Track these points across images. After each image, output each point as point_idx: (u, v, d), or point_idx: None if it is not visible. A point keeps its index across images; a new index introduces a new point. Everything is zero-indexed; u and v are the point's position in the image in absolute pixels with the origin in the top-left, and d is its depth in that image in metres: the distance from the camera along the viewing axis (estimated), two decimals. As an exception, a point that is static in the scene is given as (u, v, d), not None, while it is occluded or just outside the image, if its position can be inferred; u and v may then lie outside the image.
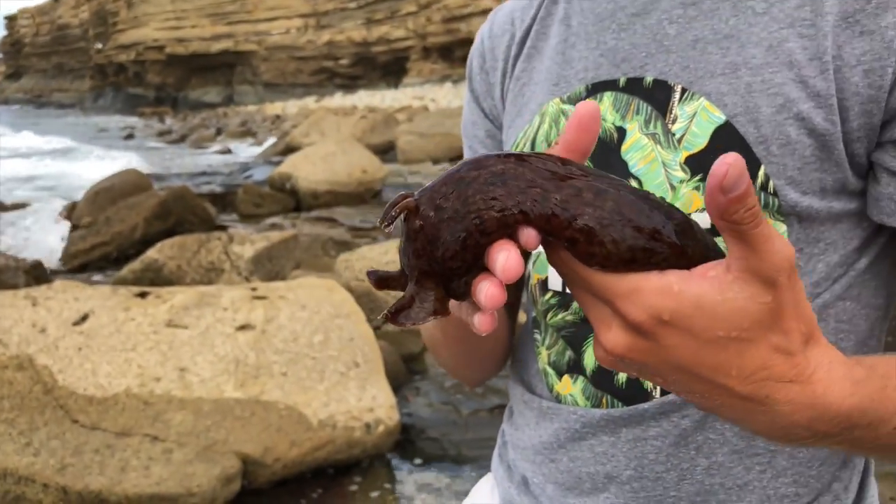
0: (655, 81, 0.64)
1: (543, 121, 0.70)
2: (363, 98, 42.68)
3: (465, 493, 0.90)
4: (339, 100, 43.64)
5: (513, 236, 0.39)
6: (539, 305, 0.73)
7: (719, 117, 0.60)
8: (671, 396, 0.65)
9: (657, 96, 0.64)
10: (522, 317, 0.82)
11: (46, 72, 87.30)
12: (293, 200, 9.19)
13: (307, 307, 3.16)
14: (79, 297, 3.12)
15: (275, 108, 42.65)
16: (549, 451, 0.72)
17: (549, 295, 0.71)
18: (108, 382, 2.85)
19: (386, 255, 4.96)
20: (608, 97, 0.66)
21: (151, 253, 4.58)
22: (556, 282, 0.70)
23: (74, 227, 7.31)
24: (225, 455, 2.64)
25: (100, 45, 70.15)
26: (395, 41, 50.76)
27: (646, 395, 0.66)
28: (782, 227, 0.61)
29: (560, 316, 0.71)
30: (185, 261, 4.54)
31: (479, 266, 0.41)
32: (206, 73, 61.23)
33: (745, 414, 0.42)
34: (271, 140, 21.68)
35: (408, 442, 2.98)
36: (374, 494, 2.68)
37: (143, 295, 3.23)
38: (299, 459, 2.72)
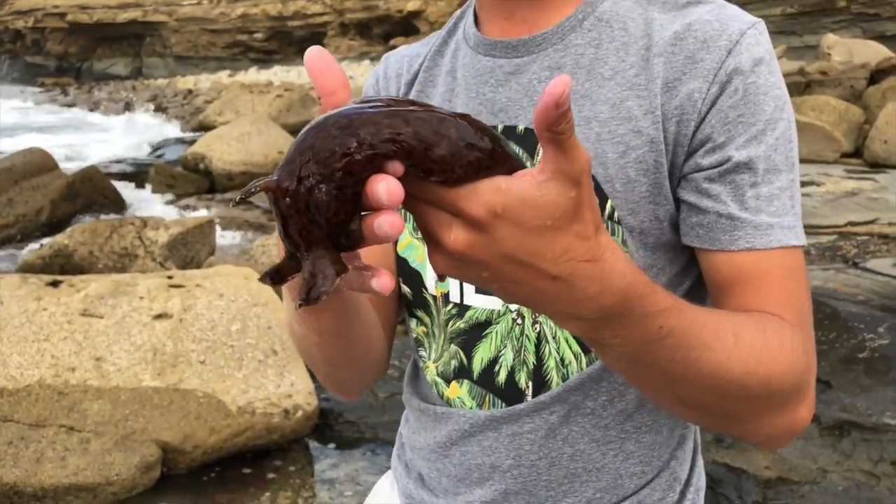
0: (526, 129, 0.78)
1: None
2: (279, 73, 41.69)
3: (382, 472, 1.01)
4: (253, 75, 42.49)
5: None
6: (441, 315, 0.84)
7: None
8: (541, 397, 0.79)
9: (528, 141, 0.78)
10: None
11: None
12: (207, 181, 9.02)
13: (224, 295, 3.19)
14: (-14, 287, 3.06)
15: (187, 82, 41.17)
16: (442, 450, 0.85)
17: (450, 306, 0.83)
18: (20, 374, 2.82)
19: (304, 239, 5.01)
20: None
21: (61, 238, 4.47)
22: (455, 294, 0.82)
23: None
24: (144, 443, 2.67)
25: (-6, 10, 65.84)
26: (312, 16, 49.77)
27: (521, 395, 0.80)
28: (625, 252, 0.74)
29: (456, 325, 0.83)
30: (98, 246, 4.46)
31: (360, 210, 0.45)
32: (112, 44, 58.38)
33: (552, 295, 0.51)
34: (184, 114, 21.02)
35: (326, 426, 3.08)
36: (294, 478, 2.78)
37: (55, 284, 3.19)
38: (218, 445, 2.78)
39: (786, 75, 11.24)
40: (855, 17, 23.68)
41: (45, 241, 6.11)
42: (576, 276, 0.50)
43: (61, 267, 4.45)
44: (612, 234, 0.74)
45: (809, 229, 5.97)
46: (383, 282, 0.48)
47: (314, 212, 0.44)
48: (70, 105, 29.18)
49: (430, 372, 0.86)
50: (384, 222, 0.44)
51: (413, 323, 0.88)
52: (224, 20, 53.49)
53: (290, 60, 50.00)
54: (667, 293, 0.58)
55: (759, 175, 0.71)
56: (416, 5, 43.27)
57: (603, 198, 0.74)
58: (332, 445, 2.99)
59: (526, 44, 0.80)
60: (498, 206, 0.46)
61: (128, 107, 28.29)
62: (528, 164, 0.77)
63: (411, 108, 0.45)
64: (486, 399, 0.82)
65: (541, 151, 0.74)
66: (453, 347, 0.83)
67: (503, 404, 0.81)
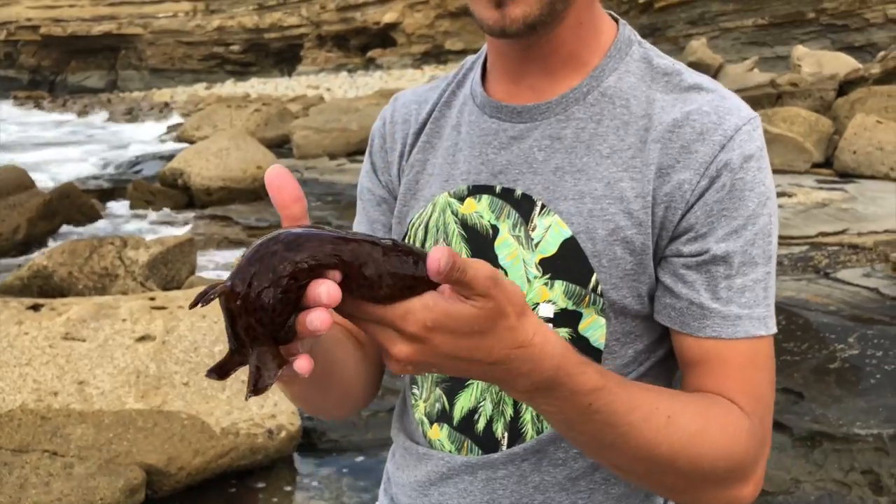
0: (523, 195, 0.82)
1: (435, 209, 0.87)
2: (255, 86, 41.61)
3: (365, 491, 1.06)
4: (230, 87, 42.37)
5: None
6: None
7: (567, 232, 0.79)
8: (515, 448, 0.83)
9: (523, 207, 0.82)
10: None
11: None
12: (186, 197, 9.01)
13: (207, 316, 3.21)
14: (-33, 312, 3.05)
15: (163, 94, 40.95)
16: (422, 488, 0.89)
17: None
18: (2, 399, 2.82)
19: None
20: (486, 199, 0.84)
21: (40, 259, 4.46)
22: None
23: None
24: (128, 467, 2.68)
25: (-35, 23, 65.01)
26: (289, 28, 49.71)
27: (496, 444, 0.84)
28: (602, 321, 0.79)
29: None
30: (77, 267, 4.45)
31: (297, 311, 0.53)
32: (87, 56, 57.83)
33: (496, 374, 0.62)
34: (161, 129, 20.91)
35: (310, 445, 3.10)
36: (278, 498, 2.80)
37: (36, 308, 3.19)
38: (203, 467, 2.79)
39: (758, 87, 11.46)
40: (824, 28, 24.15)
41: (22, 259, 6.08)
42: (510, 360, 0.60)
43: (40, 288, 4.43)
44: (594, 303, 0.79)
45: (782, 240, 6.09)
46: (301, 364, 0.55)
47: (260, 313, 0.52)
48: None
49: (419, 410, 0.91)
50: (315, 318, 0.52)
51: None
52: (200, 32, 53.28)
53: (267, 73, 49.91)
54: (600, 374, 0.66)
55: (735, 268, 0.76)
56: (393, 17, 43.42)
57: (589, 271, 0.78)
58: (315, 465, 3.02)
59: (530, 111, 0.83)
60: (429, 321, 0.56)
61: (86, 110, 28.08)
62: (522, 228, 0.81)
63: (349, 235, 0.55)
64: (465, 444, 0.86)
65: (534, 219, 0.80)
66: (438, 391, 0.88)
67: (480, 451, 0.85)
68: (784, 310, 4.31)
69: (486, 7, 0.76)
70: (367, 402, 0.93)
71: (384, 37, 44.74)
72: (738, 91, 11.93)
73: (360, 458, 3.05)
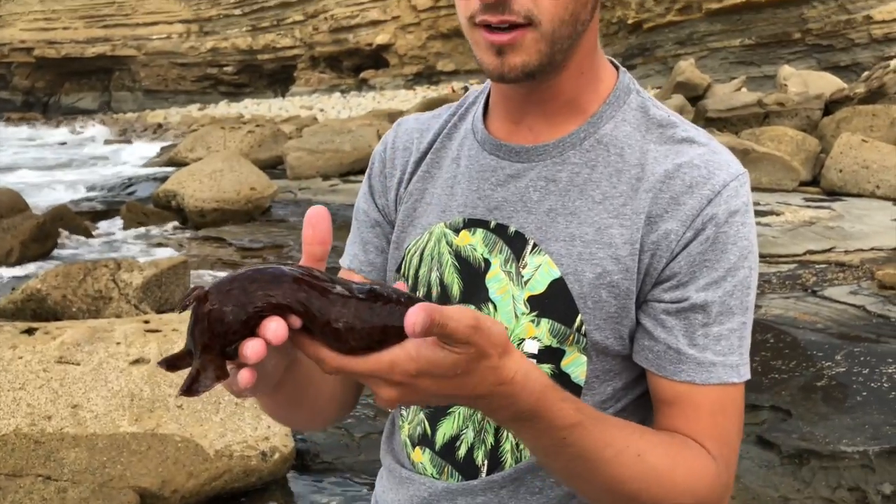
0: (516, 232, 0.85)
1: (431, 238, 0.91)
2: (249, 106, 41.77)
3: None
4: (223, 108, 42.52)
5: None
6: None
7: (556, 273, 0.83)
8: (494, 476, 0.87)
9: (516, 244, 0.85)
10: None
11: None
12: (179, 218, 9.04)
13: (201, 339, 3.24)
14: (-39, 336, 3.08)
15: (156, 115, 41.04)
16: None
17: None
18: (-3, 423, 2.84)
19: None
20: (480, 232, 0.87)
21: (34, 283, 4.48)
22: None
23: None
24: (122, 490, 2.69)
25: (-42, 45, 65.11)
26: (282, 49, 49.99)
27: (476, 471, 0.88)
28: (584, 359, 0.83)
29: None
30: (71, 290, 4.47)
31: (249, 336, 0.57)
32: (80, 78, 57.97)
33: (478, 405, 0.67)
34: (154, 150, 20.95)
35: (303, 467, 3.12)
36: (271, 519, 2.81)
37: (30, 331, 3.21)
38: (197, 489, 2.81)
39: (745, 107, 11.61)
40: (810, 48, 24.48)
41: (9, 276, 6.09)
42: (493, 395, 0.65)
43: (34, 311, 4.45)
44: (577, 342, 0.82)
45: (770, 258, 6.16)
46: (242, 375, 0.59)
47: (218, 326, 0.57)
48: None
49: (404, 432, 0.95)
50: (250, 346, 0.57)
51: None
52: (194, 54, 53.52)
53: (261, 93, 50.10)
54: (578, 410, 0.70)
55: (712, 317, 0.79)
56: (386, 39, 43.74)
57: (574, 312, 0.82)
58: (309, 486, 3.04)
59: (528, 151, 0.86)
60: (413, 370, 0.60)
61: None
62: (514, 265, 0.85)
63: (329, 287, 0.59)
64: (445, 470, 0.90)
65: (525, 257, 0.84)
66: (421, 415, 0.92)
67: (460, 477, 0.88)
68: (772, 328, 4.35)
69: (488, 53, 0.79)
70: (339, 419, 0.97)
71: (377, 58, 45.04)
72: (726, 111, 12.09)
73: (353, 480, 3.07)
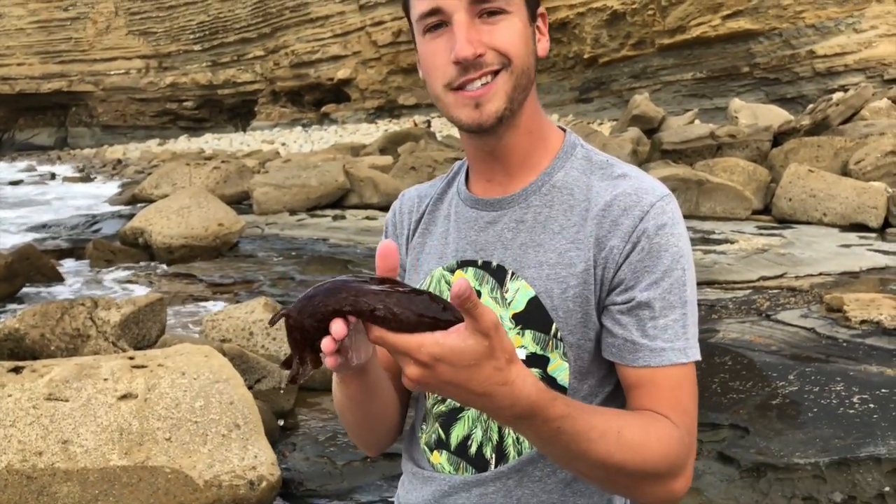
0: (498, 265, 1.06)
1: (432, 280, 1.13)
2: (210, 141, 41.61)
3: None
4: (184, 143, 42.30)
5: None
6: (430, 400, 1.12)
7: (531, 292, 1.03)
8: (502, 467, 1.05)
9: (499, 275, 1.06)
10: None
11: None
12: (147, 255, 9.05)
13: (186, 373, 3.34)
14: (-50, 376, 3.14)
15: (115, 151, 40.62)
16: None
17: (436, 394, 1.09)
18: (-12, 460, 2.90)
19: (252, 313, 5.16)
20: (471, 270, 1.09)
21: (11, 322, 4.52)
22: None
23: None
24: (115, 522, 2.78)
25: None
26: (243, 84, 50.08)
27: (486, 464, 1.06)
28: (565, 364, 1.03)
29: (438, 408, 1.11)
30: (49, 329, 4.52)
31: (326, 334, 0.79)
32: (35, 113, 57.20)
33: (482, 402, 0.81)
34: (114, 186, 20.77)
35: (289, 494, 3.23)
36: (261, 546, 2.91)
37: (17, 370, 3.28)
38: (187, 520, 2.90)
39: (698, 139, 12.06)
40: (758, 81, 25.45)
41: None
42: (495, 395, 0.80)
43: (11, 350, 4.48)
44: (556, 348, 1.02)
45: (727, 285, 6.45)
46: (328, 361, 0.83)
47: (302, 332, 0.81)
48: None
49: (423, 440, 1.13)
50: (323, 342, 0.80)
51: (423, 401, 1.15)
52: (153, 89, 53.24)
53: (221, 128, 49.96)
54: (566, 405, 0.87)
55: (657, 311, 0.98)
56: (347, 73, 44.13)
57: (549, 321, 1.02)
58: (295, 513, 3.14)
59: (500, 202, 1.09)
60: (437, 354, 0.76)
61: (53, 178, 27.75)
62: (499, 291, 1.05)
63: (376, 286, 0.79)
64: (461, 466, 1.08)
65: (507, 283, 1.05)
66: (436, 425, 1.11)
67: (473, 470, 1.07)
68: (729, 350, 4.59)
69: (465, 110, 1.00)
70: (392, 438, 1.16)
71: (338, 92, 45.36)
72: (680, 143, 12.51)
73: (337, 505, 3.19)
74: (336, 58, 44.51)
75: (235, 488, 3.02)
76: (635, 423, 0.94)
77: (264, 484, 3.08)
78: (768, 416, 3.70)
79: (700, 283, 6.49)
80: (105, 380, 3.24)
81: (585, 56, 29.78)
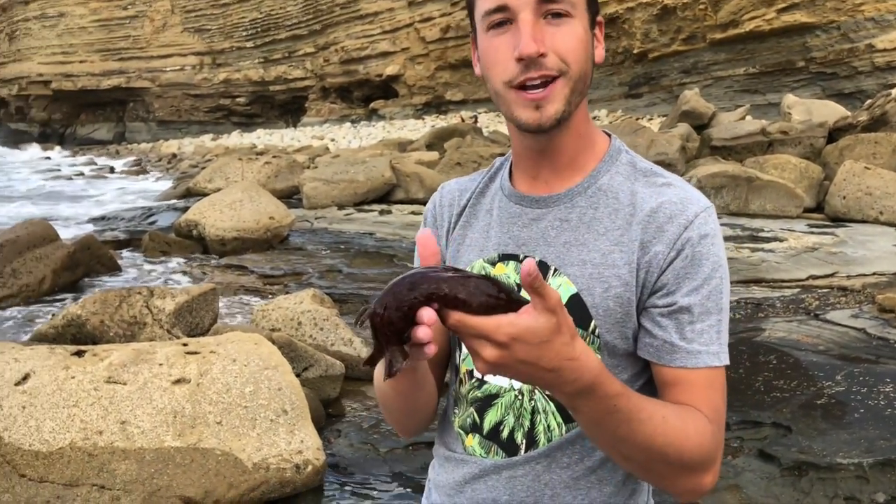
0: (541, 261, 1.10)
1: (472, 271, 1.16)
2: (261, 136, 42.37)
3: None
4: (236, 138, 43.16)
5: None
6: (466, 386, 1.18)
7: (573, 289, 1.08)
8: (531, 453, 1.10)
9: (541, 270, 1.07)
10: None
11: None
12: (200, 247, 9.31)
13: (237, 360, 3.48)
14: (18, 358, 3.33)
15: (170, 146, 41.67)
16: (459, 486, 1.17)
17: (473, 380, 1.17)
18: (53, 437, 3.07)
19: (300, 304, 5.30)
20: (512, 264, 1.14)
21: (74, 308, 4.73)
22: (477, 371, 1.16)
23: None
24: (169, 499, 2.92)
25: (-23, 79, 66.36)
26: (294, 80, 50.82)
27: (517, 449, 1.12)
28: (598, 356, 1.05)
29: (474, 394, 1.17)
30: (108, 315, 4.73)
31: (414, 325, 0.82)
32: (95, 109, 59.06)
33: (551, 378, 0.85)
34: (169, 182, 21.34)
35: (334, 479, 3.34)
36: (306, 527, 3.02)
37: (79, 354, 3.46)
38: (237, 499, 3.03)
39: (748, 135, 11.85)
40: (814, 76, 24.78)
41: (32, 304, 6.36)
42: (562, 369, 0.85)
43: (73, 336, 4.70)
44: (592, 343, 1.06)
45: (775, 283, 6.36)
46: (428, 350, 0.85)
47: (389, 327, 0.83)
48: (55, 169, 29.42)
49: (456, 424, 1.20)
50: (419, 331, 0.82)
51: (455, 387, 1.22)
52: (207, 85, 54.41)
53: (273, 123, 50.80)
54: (621, 385, 0.93)
55: (695, 316, 1.03)
56: (395, 70, 44.43)
57: (588, 318, 1.06)
58: (339, 497, 3.25)
59: (545, 200, 1.12)
60: (514, 334, 0.82)
61: (112, 171, 28.63)
62: None
63: (451, 274, 0.83)
64: (492, 450, 1.14)
65: (549, 279, 1.11)
66: (470, 409, 1.17)
67: (504, 454, 1.13)
68: (776, 349, 4.55)
69: (526, 110, 1.04)
70: (428, 424, 1.22)
71: (386, 88, 45.69)
72: (730, 139, 12.31)
73: (379, 490, 3.28)
74: (385, 54, 44.84)
75: (282, 471, 3.14)
76: (676, 412, 0.99)
77: (310, 468, 3.19)
78: (812, 416, 3.67)
79: (747, 282, 6.41)
80: (160, 365, 3.39)
81: (635, 51, 29.41)
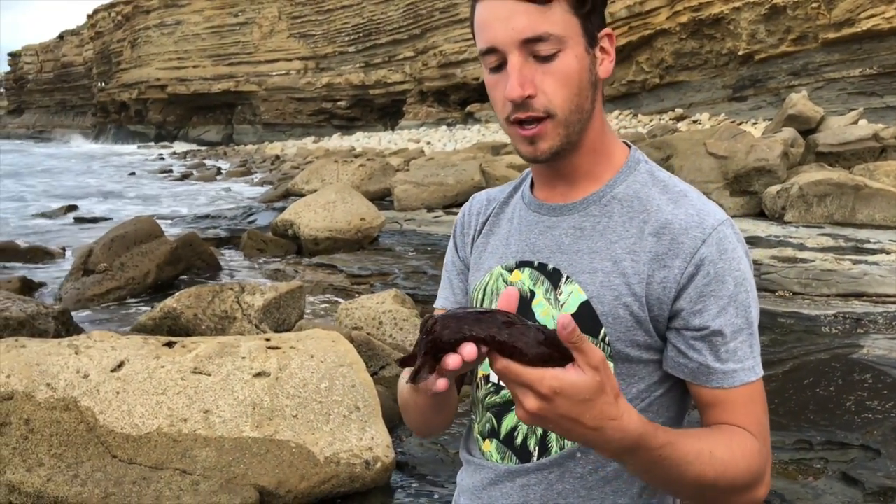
0: (554, 268, 1.11)
1: (491, 278, 1.20)
2: (360, 139, 43.36)
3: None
4: (336, 140, 44.36)
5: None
6: (482, 391, 1.20)
7: (583, 297, 1.08)
8: (543, 460, 1.11)
9: (554, 277, 1.11)
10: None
11: (49, 108, 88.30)
12: (295, 246, 9.66)
13: (315, 357, 3.61)
14: (115, 347, 3.57)
15: (274, 147, 43.29)
16: (477, 491, 1.18)
17: (489, 385, 1.19)
18: (142, 422, 3.28)
19: (382, 304, 5.42)
20: (527, 271, 1.15)
21: (170, 302, 5.02)
22: (494, 377, 1.18)
23: (87, 272, 7.73)
24: (245, 487, 3.06)
25: (102, 84, 71.11)
26: (393, 84, 51.81)
27: (530, 456, 1.12)
28: (611, 364, 1.06)
29: (492, 399, 1.18)
30: (201, 310, 4.99)
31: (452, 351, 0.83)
32: (206, 112, 62.24)
33: (593, 436, 0.85)
34: (271, 181, 22.15)
35: (402, 477, 3.40)
36: (372, 522, 3.10)
37: (170, 345, 3.67)
38: (308, 491, 3.14)
39: (858, 140, 11.21)
40: (939, 77, 23.12)
41: (137, 296, 6.76)
42: (605, 429, 0.85)
43: (169, 328, 4.99)
44: (603, 351, 1.05)
45: (877, 298, 6.01)
46: (440, 383, 0.86)
47: (436, 343, 0.84)
48: (167, 170, 31.09)
49: (476, 430, 1.22)
50: (449, 359, 0.83)
51: (473, 392, 1.25)
52: (310, 89, 56.21)
53: (372, 127, 51.89)
54: (665, 433, 0.92)
55: (728, 336, 1.03)
56: (493, 72, 44.42)
57: (599, 325, 1.06)
58: (406, 494, 3.31)
59: (561, 208, 1.14)
60: (557, 388, 0.81)
61: (219, 172, 29.99)
62: (552, 293, 1.11)
63: (514, 320, 0.84)
64: (507, 455, 1.15)
65: (561, 286, 1.12)
66: (489, 415, 1.19)
67: (517, 460, 1.13)
68: (872, 368, 4.31)
69: (523, 144, 1.07)
70: (443, 431, 1.27)
71: (482, 91, 45.68)
72: (838, 145, 11.70)
73: (446, 489, 3.33)
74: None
75: (352, 466, 3.23)
76: (722, 441, 0.99)
77: (379, 465, 3.27)
78: (905, 440, 3.46)
79: (846, 295, 6.09)
80: (243, 358, 3.56)
81: (740, 52, 28.30)
